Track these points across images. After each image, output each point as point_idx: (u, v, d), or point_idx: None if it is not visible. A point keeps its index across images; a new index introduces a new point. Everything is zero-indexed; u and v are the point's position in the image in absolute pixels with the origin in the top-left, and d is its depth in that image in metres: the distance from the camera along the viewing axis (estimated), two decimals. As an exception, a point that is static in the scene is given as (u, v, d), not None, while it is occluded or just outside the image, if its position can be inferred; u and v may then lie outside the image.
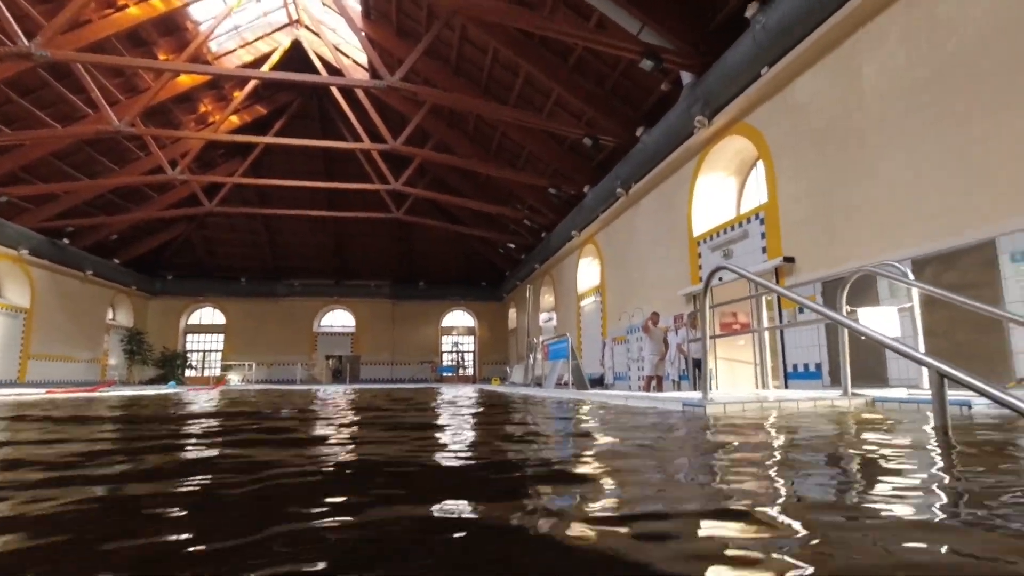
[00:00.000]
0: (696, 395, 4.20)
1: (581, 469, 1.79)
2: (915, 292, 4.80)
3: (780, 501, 1.25)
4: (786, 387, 7.72)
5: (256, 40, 17.74)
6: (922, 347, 4.11)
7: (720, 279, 9.29)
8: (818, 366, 7.16)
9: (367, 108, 16.52)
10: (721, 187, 10.18)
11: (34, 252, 17.95)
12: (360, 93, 16.98)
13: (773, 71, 7.58)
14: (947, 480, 1.46)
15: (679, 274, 10.93)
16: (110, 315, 23.80)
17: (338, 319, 28.83)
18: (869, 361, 6.37)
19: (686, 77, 9.81)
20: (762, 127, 8.26)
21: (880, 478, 1.52)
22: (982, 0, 5.11)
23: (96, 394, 12.07)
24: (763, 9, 7.40)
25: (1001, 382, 4.43)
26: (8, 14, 10.65)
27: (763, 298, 9.29)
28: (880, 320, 3.68)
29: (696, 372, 9.97)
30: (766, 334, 9.10)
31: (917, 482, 1.45)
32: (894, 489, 1.37)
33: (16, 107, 14.47)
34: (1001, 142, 4.93)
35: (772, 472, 1.61)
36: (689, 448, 2.18)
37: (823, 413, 3.26)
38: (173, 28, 15.55)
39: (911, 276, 5.71)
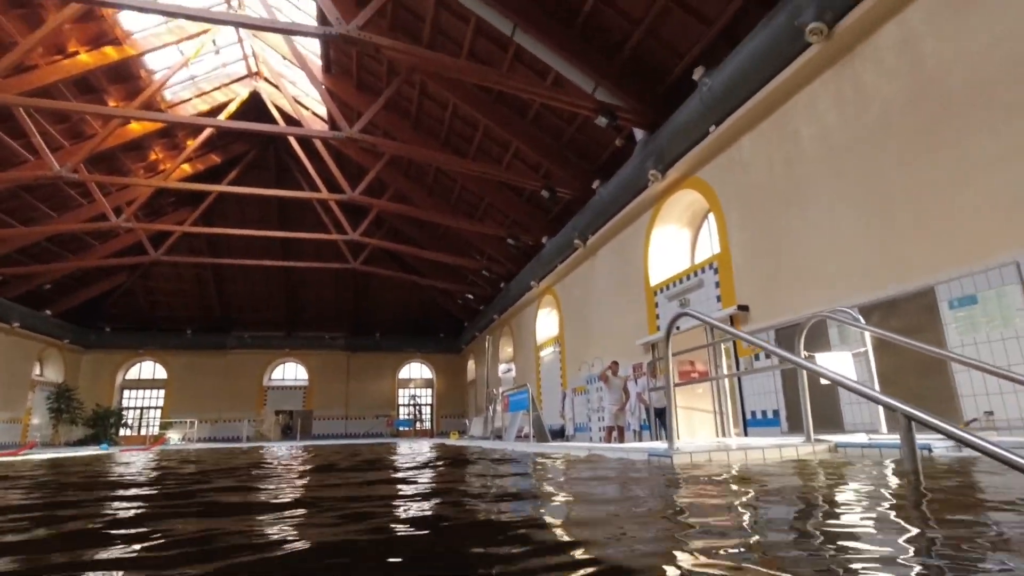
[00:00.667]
0: (661, 445, 4.12)
1: (544, 533, 1.65)
2: (867, 337, 4.96)
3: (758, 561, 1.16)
4: (746, 434, 7.75)
5: (213, 90, 17.63)
6: (878, 390, 4.19)
7: (678, 328, 9.40)
8: (776, 412, 7.24)
9: (325, 159, 16.49)
10: (676, 238, 10.49)
11: (-46, 304, 16.69)
12: (319, 144, 16.97)
13: (720, 129, 7.99)
14: (937, 534, 1.41)
15: (637, 323, 11.05)
16: (37, 371, 22.13)
17: (290, 372, 27.72)
18: (825, 407, 6.48)
19: (639, 133, 10.23)
20: (712, 181, 8.63)
21: (859, 531, 1.45)
22: (899, 70, 5.56)
23: (12, 458, 11.00)
24: (709, 72, 7.86)
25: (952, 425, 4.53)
26: (-54, 56, 10.24)
27: (721, 346, 9.48)
28: (836, 365, 3.75)
29: (657, 421, 9.94)
30: (725, 381, 9.23)
31: (902, 541, 1.39)
32: (878, 544, 1.30)
33: (-53, 151, 13.76)
34: (930, 196, 5.26)
35: (750, 528, 1.53)
36: (658, 502, 2.08)
37: (789, 460, 3.24)
38: (126, 76, 15.29)
39: (862, 321, 5.93)
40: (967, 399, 4.89)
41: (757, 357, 7.61)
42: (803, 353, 3.94)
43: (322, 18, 10.33)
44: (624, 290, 11.76)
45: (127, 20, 13.84)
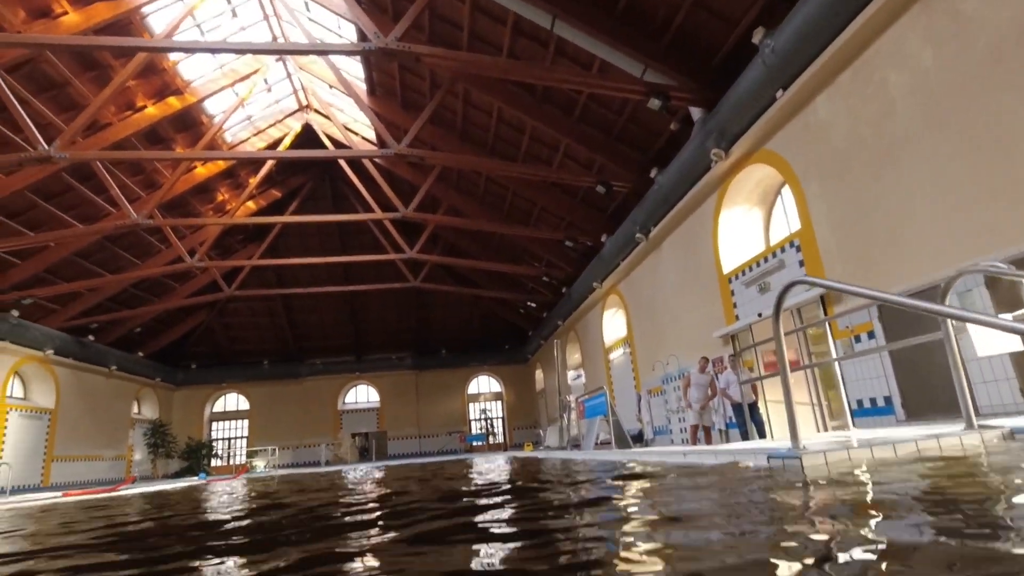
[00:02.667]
0: (775, 444, 3.57)
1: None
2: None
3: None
4: (852, 426, 6.92)
5: (268, 127, 18.34)
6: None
7: (760, 315, 8.68)
8: (888, 399, 6.41)
9: (377, 180, 16.72)
10: (747, 219, 9.75)
11: (59, 352, 18.01)
12: (370, 166, 17.25)
13: (789, 93, 7.30)
14: None
15: (712, 315, 10.32)
16: (135, 409, 23.61)
17: (362, 395, 28.27)
18: (946, 389, 5.64)
19: (696, 113, 9.61)
20: (784, 152, 7.91)
21: None
22: (1013, -12, 4.79)
23: (115, 493, 11.55)
24: (770, 33, 7.21)
25: None
26: (29, 121, 11.00)
27: (804, 332, 8.64)
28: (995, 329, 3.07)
29: (743, 419, 9.16)
30: (816, 370, 8.38)
31: None
32: None
33: (41, 211, 14.85)
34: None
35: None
36: (828, 537, 1.45)
37: (954, 456, 2.62)
38: (189, 123, 16.13)
39: (993, 288, 5.11)
40: None
41: (858, 339, 6.80)
42: (950, 321, 3.30)
43: (361, 36, 10.39)
44: (694, 281, 11.06)
45: (186, 70, 14.58)
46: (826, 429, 7.84)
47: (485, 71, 10.11)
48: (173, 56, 13.92)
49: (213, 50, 8.57)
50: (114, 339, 20.81)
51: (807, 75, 6.94)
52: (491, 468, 7.46)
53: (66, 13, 11.51)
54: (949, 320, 3.32)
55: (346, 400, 28.01)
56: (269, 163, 17.42)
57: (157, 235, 18.12)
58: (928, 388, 5.99)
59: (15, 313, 15.96)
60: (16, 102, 10.91)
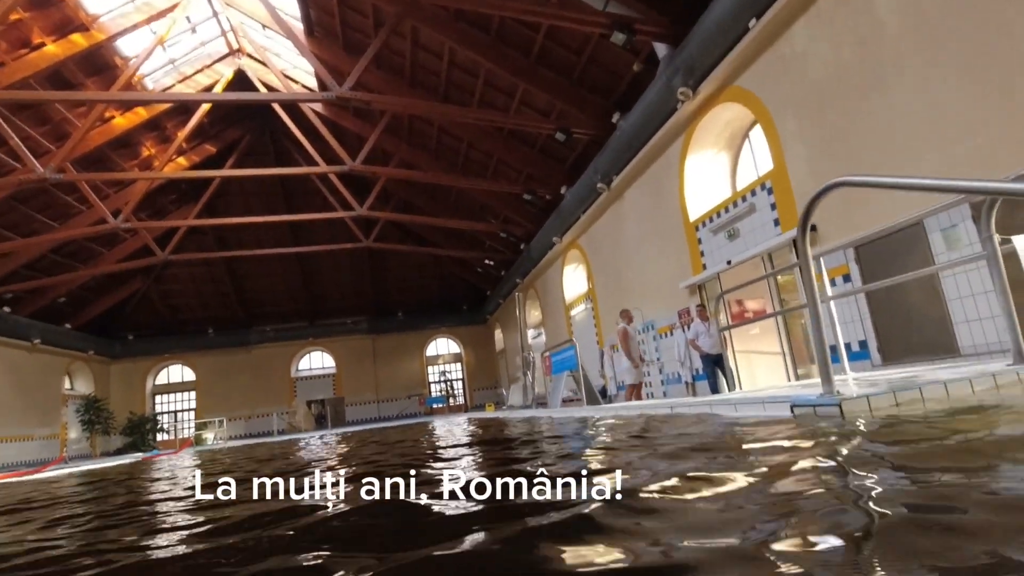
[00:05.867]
0: (803, 391, 3.14)
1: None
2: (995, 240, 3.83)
3: None
4: (849, 370, 6.74)
5: (195, 74, 16.61)
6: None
7: (729, 262, 8.37)
8: (863, 344, 6.21)
9: (321, 132, 15.48)
10: (714, 164, 9.33)
11: (-30, 326, 16.33)
12: (313, 117, 15.95)
13: (763, 21, 6.77)
14: None
15: (678, 265, 10.00)
16: (67, 384, 21.98)
17: (316, 362, 27.31)
18: (927, 329, 5.44)
19: (661, 50, 8.99)
20: (757, 88, 7.43)
21: None
22: None
23: (38, 475, 10.55)
24: (745, -47, 6.61)
25: None
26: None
27: (775, 279, 8.40)
28: None
29: (712, 370, 8.96)
30: (782, 319, 8.18)
31: None
32: None
33: (-70, 167, 13.10)
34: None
35: None
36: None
37: (1017, 395, 2.22)
38: (101, 66, 14.37)
39: (979, 222, 4.81)
40: None
41: (832, 282, 6.53)
42: (995, 237, 2.90)
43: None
44: (659, 231, 10.68)
45: (90, 2, 12.83)
46: (796, 379, 7.69)
47: None
48: (74, -15, 12.17)
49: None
50: (36, 310, 19.07)
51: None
52: (451, 433, 6.98)
53: (-66, -73, 9.77)
54: (994, 239, 2.89)
55: (299, 367, 27.02)
56: (199, 113, 15.84)
57: (75, 194, 16.40)
58: (904, 331, 5.79)
59: (-88, 284, 14.24)
60: None
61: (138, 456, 16.65)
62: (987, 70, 4.64)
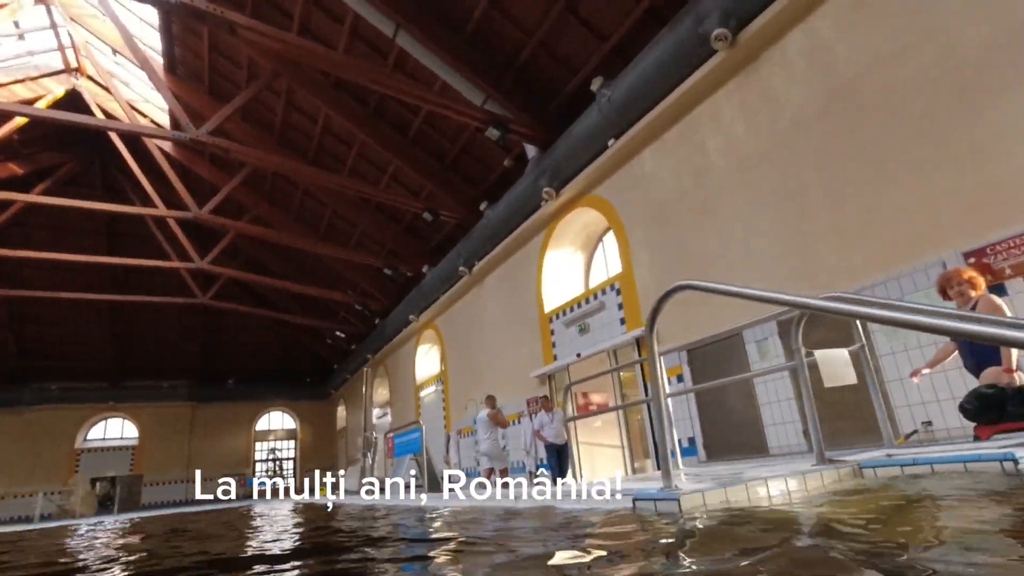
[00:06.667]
0: (643, 485, 3.17)
1: None
2: (863, 330, 4.33)
3: None
4: (658, 467, 7.12)
5: (13, 83, 14.42)
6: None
7: (579, 355, 8.76)
8: (692, 440, 6.70)
9: (167, 174, 14.06)
10: (571, 261, 9.98)
11: None
12: (159, 156, 14.49)
13: (620, 142, 7.64)
14: None
15: (531, 354, 10.26)
16: None
17: (114, 430, 23.05)
18: (743, 431, 6.04)
19: (531, 151, 9.69)
20: (612, 198, 8.23)
21: None
22: (810, 77, 5.48)
23: None
24: (607, 83, 7.51)
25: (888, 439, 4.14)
26: None
27: (618, 375, 8.95)
28: (837, 363, 3.07)
29: (558, 460, 9.06)
30: (623, 413, 8.65)
31: None
32: None
33: None
34: (851, 202, 5.10)
35: None
36: None
37: (820, 493, 2.46)
38: None
39: (784, 337, 5.56)
40: (901, 410, 4.60)
41: (669, 381, 7.09)
42: (802, 349, 3.27)
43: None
44: (516, 319, 10.97)
45: None
46: (633, 472, 8.02)
47: (316, 62, 9.02)
48: None
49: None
50: None
51: (638, 128, 7.32)
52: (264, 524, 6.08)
53: None
54: (802, 351, 3.28)
55: (88, 437, 22.57)
56: (9, 126, 13.56)
57: None
58: (724, 430, 6.38)
59: None
60: None
61: None
62: (790, 208, 5.60)
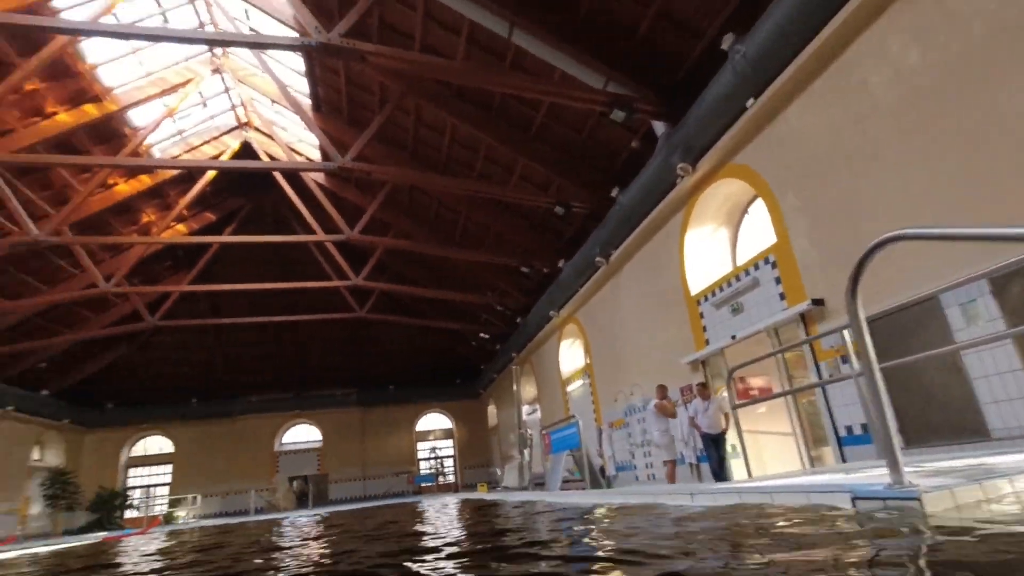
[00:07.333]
0: (858, 481, 2.75)
1: None
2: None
3: None
4: (842, 459, 6.32)
5: (202, 144, 17.00)
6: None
7: (734, 337, 8.11)
8: (864, 427, 5.85)
9: (322, 201, 15.65)
10: (715, 238, 9.31)
11: (-60, 390, 15.63)
12: (314, 187, 16.18)
13: (761, 101, 6.93)
14: None
15: (680, 339, 9.73)
16: (36, 455, 20.84)
17: (302, 434, 26.21)
18: (956, 411, 5.11)
19: (659, 128, 9.20)
20: (756, 164, 7.50)
21: None
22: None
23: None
24: (740, 39, 6.85)
25: None
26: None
27: (782, 355, 8.12)
28: None
29: (715, 450, 8.49)
30: (793, 398, 7.82)
31: None
32: None
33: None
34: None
35: None
36: None
37: None
38: (110, 135, 14.67)
39: (1001, 296, 4.62)
40: None
41: (844, 360, 6.26)
42: None
43: (302, 33, 9.56)
44: (659, 305, 10.50)
45: (107, 75, 13.27)
46: (811, 463, 7.22)
47: (438, 74, 9.44)
48: (91, 59, 12.63)
49: (125, 35, 7.55)
50: (13, 375, 18.38)
51: (781, 81, 6.58)
52: (441, 519, 6.40)
53: (-38, 2, 10.16)
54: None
55: (284, 440, 25.89)
56: (203, 181, 16.02)
57: (69, 259, 16.27)
58: (923, 411, 5.46)
59: None
60: None
61: (99, 536, 15.44)
62: (988, 146, 4.63)
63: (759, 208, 8.26)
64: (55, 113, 13.00)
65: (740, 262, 8.83)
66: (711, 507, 3.04)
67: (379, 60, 8.72)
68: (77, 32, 7.67)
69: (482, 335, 21.80)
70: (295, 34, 11.19)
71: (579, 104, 8.90)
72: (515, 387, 12.70)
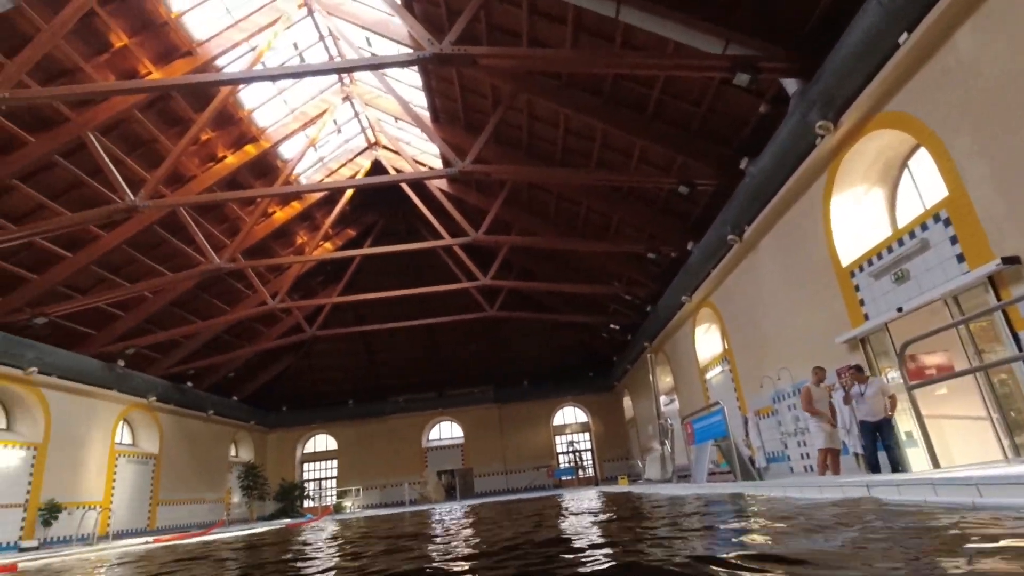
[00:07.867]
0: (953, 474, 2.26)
1: None
2: None
3: None
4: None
5: (340, 167, 18.72)
6: None
7: (900, 310, 7.15)
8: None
9: (447, 207, 16.46)
10: (867, 200, 8.27)
11: (161, 398, 18.82)
12: (439, 195, 17.06)
13: (919, 31, 6.00)
14: None
15: (832, 317, 8.78)
16: (233, 452, 24.39)
17: (445, 432, 27.79)
18: None
19: (790, 86, 8.38)
20: (916, 109, 6.53)
21: None
22: None
23: (202, 538, 11.45)
24: (885, -34, 6.01)
25: None
26: (119, 177, 11.50)
27: (966, 327, 6.98)
28: None
29: (874, 440, 7.52)
30: (986, 374, 6.69)
31: None
32: None
33: (140, 264, 15.69)
34: None
35: None
36: None
37: None
38: (266, 169, 16.67)
39: None
40: None
41: (1050, 326, 5.23)
42: None
43: (416, 48, 10.11)
44: (805, 281, 9.57)
45: (260, 117, 15.11)
46: (1015, 452, 6.13)
47: (547, 66, 9.45)
48: (247, 105, 14.45)
49: (273, 77, 8.58)
50: (210, 384, 21.64)
51: (945, 2, 5.64)
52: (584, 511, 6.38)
53: (150, 72, 12.10)
54: None
55: (430, 437, 27.63)
56: (343, 201, 17.65)
57: (243, 281, 18.78)
58: None
59: (121, 363, 16.81)
60: (110, 162, 11.46)
61: (284, 522, 17.64)
62: None
63: (922, 160, 7.20)
64: (224, 156, 15.07)
65: (901, 224, 7.76)
66: (902, 501, 2.66)
67: (489, 61, 8.94)
68: (238, 81, 8.82)
69: (612, 326, 21.48)
70: (410, 50, 11.87)
71: (697, 74, 8.41)
72: (651, 377, 12.32)
